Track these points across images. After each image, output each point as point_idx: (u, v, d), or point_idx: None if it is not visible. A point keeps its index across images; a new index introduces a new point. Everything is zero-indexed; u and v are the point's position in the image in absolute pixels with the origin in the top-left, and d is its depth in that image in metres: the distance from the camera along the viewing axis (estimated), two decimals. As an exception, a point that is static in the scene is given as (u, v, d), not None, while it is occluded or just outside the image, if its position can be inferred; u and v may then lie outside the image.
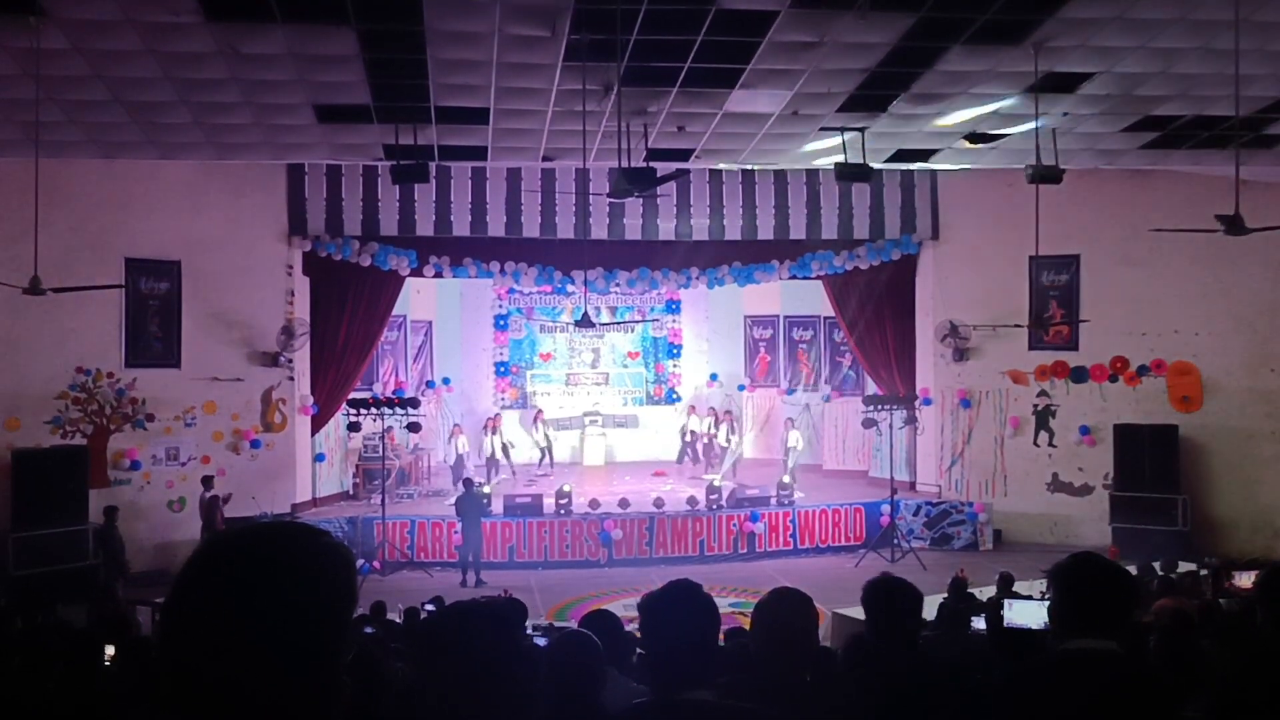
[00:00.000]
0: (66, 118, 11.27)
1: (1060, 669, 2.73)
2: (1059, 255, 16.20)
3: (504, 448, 19.45)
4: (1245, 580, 9.26)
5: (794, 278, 18.51)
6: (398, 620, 9.72)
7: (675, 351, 23.02)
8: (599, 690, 3.07)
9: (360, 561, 14.99)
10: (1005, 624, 5.71)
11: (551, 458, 20.29)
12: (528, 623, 9.46)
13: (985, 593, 10.30)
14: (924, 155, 13.87)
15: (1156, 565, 11.64)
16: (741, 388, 22.15)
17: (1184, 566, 12.15)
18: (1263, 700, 2.88)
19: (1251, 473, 15.78)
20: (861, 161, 12.41)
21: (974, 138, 12.77)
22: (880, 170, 15.01)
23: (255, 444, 16.05)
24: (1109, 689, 2.63)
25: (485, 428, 19.56)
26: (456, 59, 9.78)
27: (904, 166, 15.83)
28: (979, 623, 7.61)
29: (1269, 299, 15.81)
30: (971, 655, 5.19)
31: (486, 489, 16.73)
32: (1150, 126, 12.34)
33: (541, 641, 7.69)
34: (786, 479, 17.16)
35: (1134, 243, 15.75)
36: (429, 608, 9.50)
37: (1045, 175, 11.47)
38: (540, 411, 20.78)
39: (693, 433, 20.53)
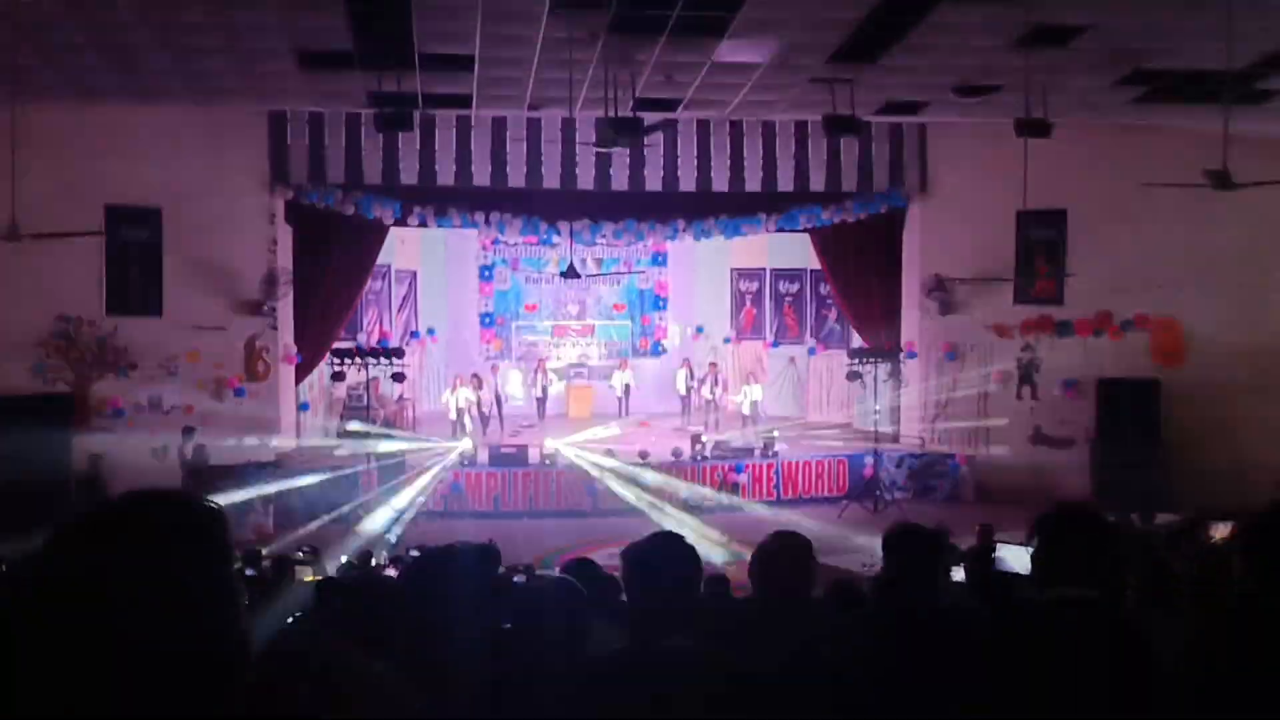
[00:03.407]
0: (43, 60, 11.07)
1: (1040, 617, 2.76)
2: (1046, 210, 16.19)
3: (497, 399, 19.45)
4: (1222, 531, 9.37)
5: (781, 230, 18.44)
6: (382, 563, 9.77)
7: (661, 303, 22.97)
8: (583, 637, 3.09)
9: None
10: (995, 568, 5.84)
11: (544, 409, 20.26)
12: (515, 566, 9.52)
13: (966, 544, 10.40)
14: (913, 107, 13.78)
15: (1134, 517, 11.77)
16: (727, 340, 22.15)
17: (1162, 518, 12.32)
18: (1236, 649, 2.91)
19: (1231, 427, 15.91)
20: (850, 113, 12.32)
21: (963, 90, 12.68)
22: (869, 122, 14.93)
23: (239, 392, 15.99)
24: (1087, 637, 2.66)
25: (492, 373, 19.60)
26: (441, 4, 9.63)
27: (893, 119, 15.75)
28: (958, 573, 7.70)
29: (1254, 255, 15.86)
30: (952, 604, 5.26)
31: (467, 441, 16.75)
32: (1141, 81, 12.28)
33: (520, 580, 7.74)
34: (775, 432, 17.22)
35: (1122, 198, 15.73)
36: (413, 554, 9.55)
37: (1034, 129, 11.42)
38: (543, 361, 20.75)
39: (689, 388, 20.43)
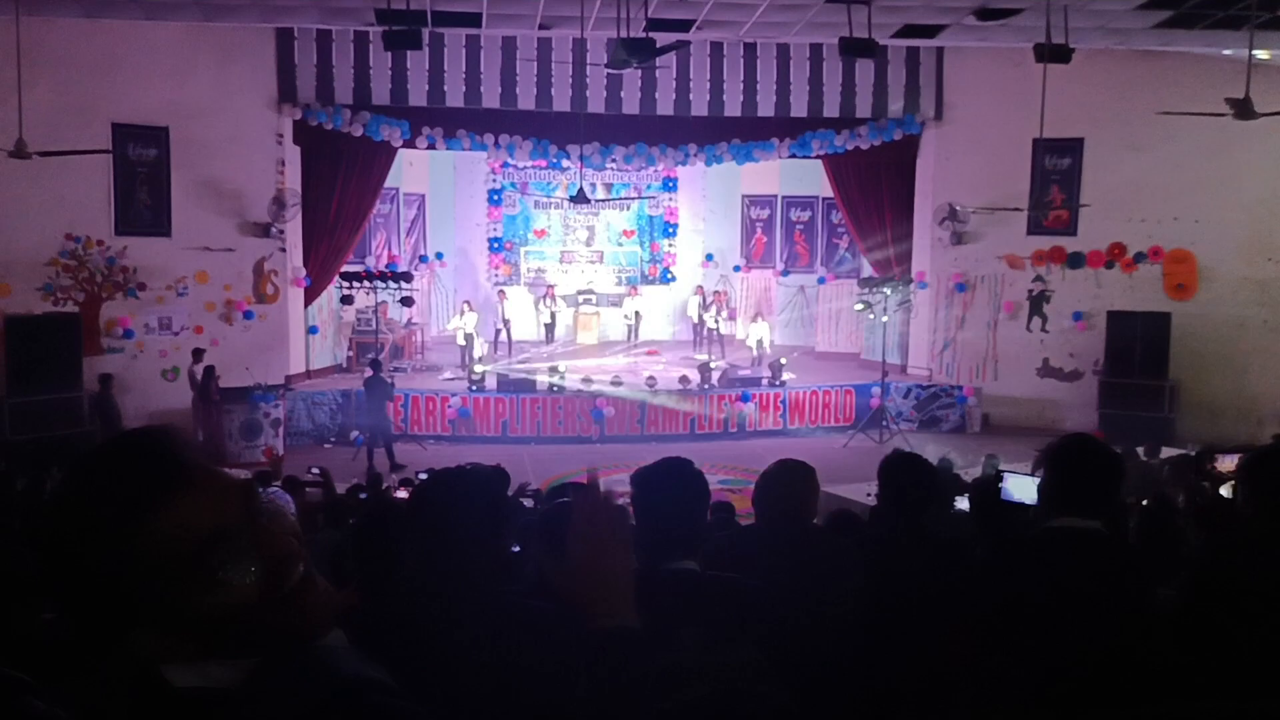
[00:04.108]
0: (45, -27, 10.90)
1: (1044, 545, 2.79)
2: (1063, 138, 15.96)
3: (506, 325, 19.48)
4: (1228, 464, 9.42)
5: (794, 156, 18.23)
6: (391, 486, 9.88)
7: (671, 230, 22.81)
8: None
9: (354, 434, 15.18)
10: (1002, 497, 5.88)
11: (553, 335, 20.30)
12: (527, 488, 9.63)
13: (971, 475, 10.47)
14: (931, 31, 13.51)
15: (1140, 450, 11.82)
16: (737, 268, 22.04)
17: (1168, 452, 12.37)
18: (1237, 579, 2.94)
19: (1240, 361, 15.90)
20: (867, 36, 12.07)
21: (985, 14, 12.41)
22: (885, 46, 14.65)
23: (248, 315, 16.02)
24: (1090, 565, 2.69)
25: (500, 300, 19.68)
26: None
27: (910, 42, 15.45)
28: (963, 503, 7.76)
29: (1272, 186, 15.65)
30: (956, 532, 5.31)
31: (484, 367, 16.78)
32: (1164, 4, 11.99)
33: (529, 504, 7.85)
34: (783, 360, 17.24)
35: (1139, 127, 15.50)
36: (422, 476, 9.64)
37: (1054, 54, 11.19)
38: (551, 288, 20.73)
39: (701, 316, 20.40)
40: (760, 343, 18.70)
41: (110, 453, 1.27)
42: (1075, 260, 16.89)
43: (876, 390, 16.47)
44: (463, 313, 18.61)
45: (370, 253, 19.38)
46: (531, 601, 2.59)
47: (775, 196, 21.68)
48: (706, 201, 22.53)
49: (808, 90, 17.13)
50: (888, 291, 16.63)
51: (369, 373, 14.76)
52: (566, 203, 20.28)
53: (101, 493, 1.22)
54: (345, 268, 17.00)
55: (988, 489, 5.84)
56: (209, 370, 14.50)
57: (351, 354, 18.27)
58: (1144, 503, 6.77)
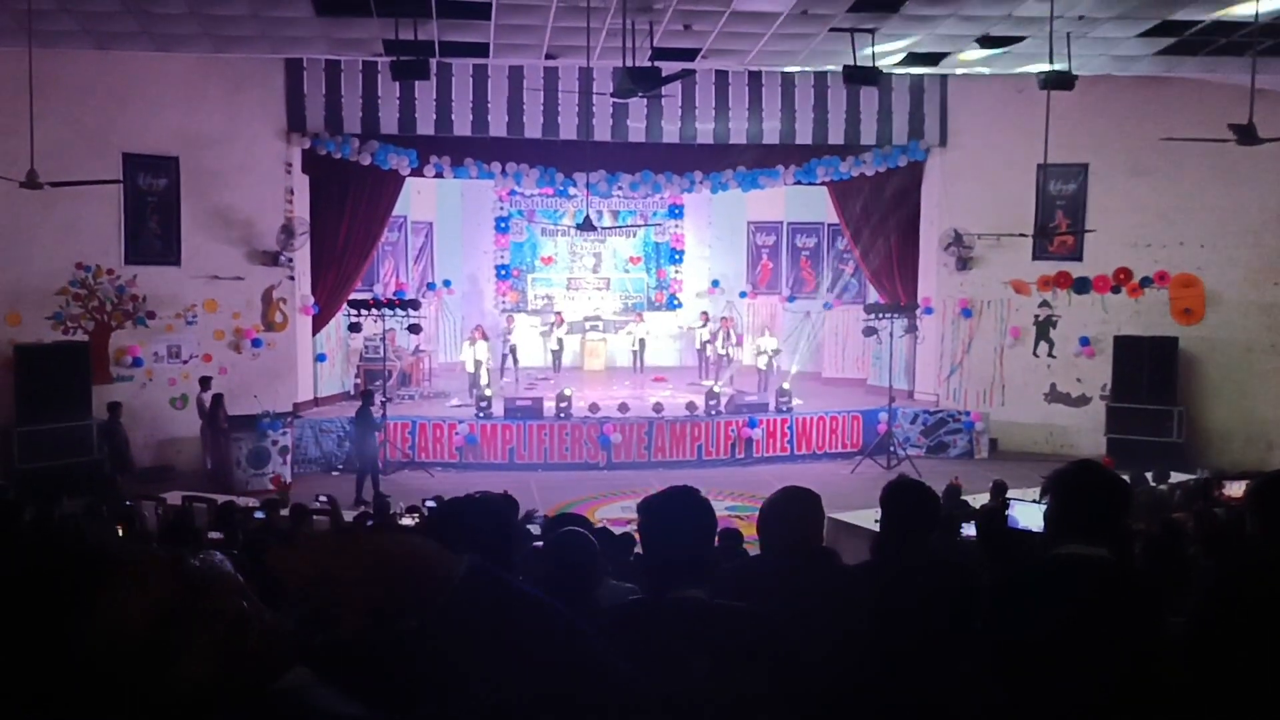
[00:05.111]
0: (60, 6, 11.02)
1: (1051, 573, 2.79)
2: (1068, 164, 16.03)
3: (512, 350, 19.53)
4: (1236, 490, 9.38)
5: (799, 183, 18.31)
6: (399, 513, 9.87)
7: (677, 257, 22.90)
8: (594, 587, 3.14)
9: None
10: (1009, 524, 5.87)
11: (559, 362, 20.33)
12: (534, 514, 9.61)
13: (979, 500, 10.44)
14: (935, 59, 13.59)
15: (1149, 475, 11.77)
16: (743, 294, 22.10)
17: (1176, 477, 12.32)
18: (1247, 606, 2.93)
19: (1248, 385, 15.85)
20: (871, 64, 12.16)
21: (987, 41, 12.49)
22: (889, 74, 14.73)
23: (257, 343, 16.08)
24: (1097, 593, 2.68)
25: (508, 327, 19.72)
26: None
27: (914, 70, 15.54)
28: (969, 529, 7.75)
29: (1277, 211, 15.66)
30: (963, 559, 5.30)
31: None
32: (1167, 31, 12.05)
33: (536, 530, 7.84)
34: (786, 385, 17.23)
35: (1144, 152, 15.55)
36: (430, 504, 9.65)
37: (1058, 81, 11.25)
38: (560, 315, 20.80)
39: (704, 342, 20.46)
40: (771, 355, 18.69)
41: (26, 559, 1.28)
42: (1081, 285, 16.89)
43: (884, 416, 16.44)
44: (474, 340, 18.66)
45: (378, 280, 19.48)
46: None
47: (781, 223, 21.78)
48: (712, 228, 22.63)
49: (813, 118, 17.23)
50: (894, 317, 16.65)
51: (360, 402, 14.82)
52: (573, 230, 20.37)
53: (25, 598, 1.22)
54: (353, 295, 17.08)
55: (994, 516, 5.83)
56: (217, 398, 14.55)
57: (359, 381, 18.30)
58: (1152, 529, 6.75)
